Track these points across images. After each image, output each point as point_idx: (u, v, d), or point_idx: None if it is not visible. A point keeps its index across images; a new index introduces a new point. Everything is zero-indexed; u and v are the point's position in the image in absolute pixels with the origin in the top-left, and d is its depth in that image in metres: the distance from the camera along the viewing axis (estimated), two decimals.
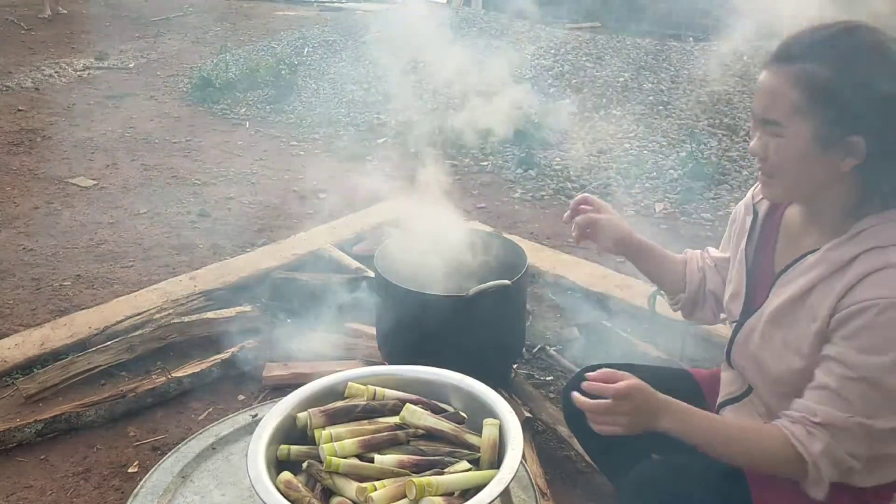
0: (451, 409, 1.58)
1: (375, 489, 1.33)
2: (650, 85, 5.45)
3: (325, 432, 1.47)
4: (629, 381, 1.23)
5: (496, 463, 1.40)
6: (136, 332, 2.53)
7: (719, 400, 1.49)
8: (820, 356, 1.20)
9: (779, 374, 1.27)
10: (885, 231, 1.17)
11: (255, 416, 1.85)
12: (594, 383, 1.25)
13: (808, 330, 1.21)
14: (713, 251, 1.63)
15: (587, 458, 1.91)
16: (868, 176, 1.18)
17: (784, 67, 1.19)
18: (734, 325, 1.42)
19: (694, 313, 1.63)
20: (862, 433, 1.16)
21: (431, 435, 1.50)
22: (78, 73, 6.83)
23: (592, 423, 1.25)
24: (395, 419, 1.55)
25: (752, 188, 1.47)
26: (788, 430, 1.21)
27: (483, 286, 1.99)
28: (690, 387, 1.63)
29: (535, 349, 2.58)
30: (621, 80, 5.48)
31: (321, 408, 1.54)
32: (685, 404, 1.27)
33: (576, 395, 1.27)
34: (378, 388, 1.62)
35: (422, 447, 1.46)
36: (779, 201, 1.36)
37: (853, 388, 1.14)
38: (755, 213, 1.44)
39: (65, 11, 8.79)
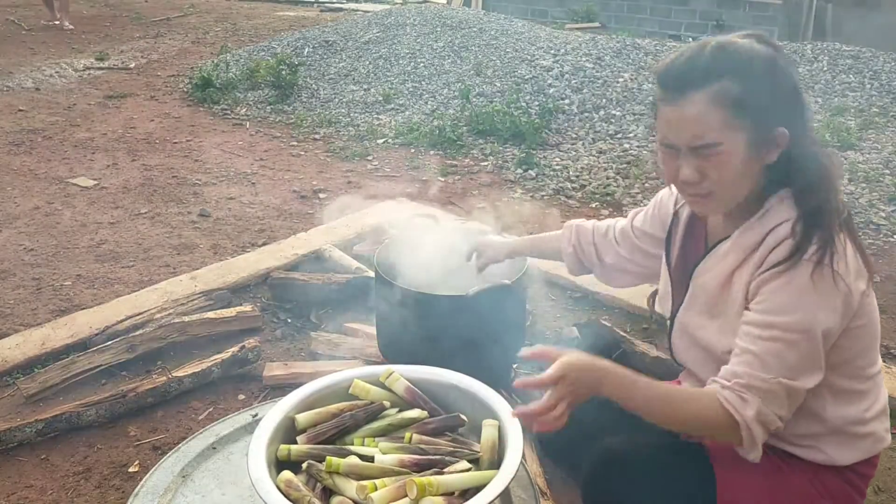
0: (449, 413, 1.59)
1: (376, 488, 1.34)
2: (650, 85, 5.45)
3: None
4: (559, 362, 1.28)
5: (496, 463, 1.40)
6: (137, 332, 2.53)
7: None
8: (741, 325, 1.27)
9: (724, 361, 1.31)
10: (784, 207, 1.27)
11: (256, 415, 1.85)
12: (525, 381, 1.31)
13: (736, 312, 1.29)
14: (620, 223, 1.75)
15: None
16: (780, 162, 1.28)
17: (695, 95, 1.23)
18: (669, 323, 1.49)
19: (583, 272, 1.85)
20: (784, 393, 1.22)
21: (433, 434, 1.50)
22: (78, 73, 6.83)
23: (537, 426, 1.29)
24: (408, 414, 1.55)
25: (673, 191, 1.54)
26: (721, 396, 1.24)
27: (483, 286, 1.99)
28: None
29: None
30: (621, 80, 5.48)
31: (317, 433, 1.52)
32: (623, 369, 1.31)
33: (516, 411, 1.33)
34: (382, 391, 1.62)
35: (422, 446, 1.46)
36: (716, 214, 1.41)
37: (770, 348, 1.21)
38: (676, 218, 1.52)
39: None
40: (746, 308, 1.27)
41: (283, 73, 5.93)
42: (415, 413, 1.56)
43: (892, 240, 3.63)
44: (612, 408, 1.32)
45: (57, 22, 8.59)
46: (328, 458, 1.40)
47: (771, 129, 1.25)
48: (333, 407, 1.57)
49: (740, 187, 1.30)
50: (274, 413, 1.53)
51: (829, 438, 1.33)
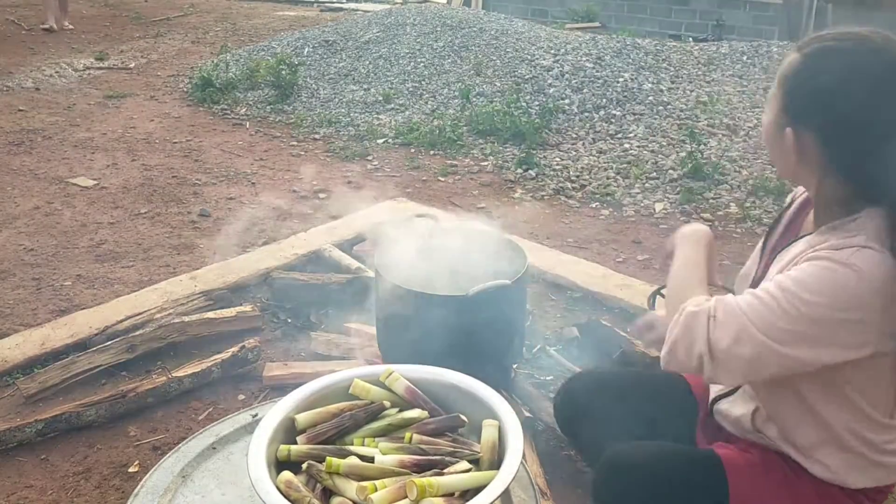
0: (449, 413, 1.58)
1: (376, 489, 1.33)
2: (650, 85, 5.45)
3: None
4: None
5: (496, 463, 1.40)
6: (137, 332, 2.53)
7: (712, 396, 1.50)
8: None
9: None
10: (871, 226, 1.20)
11: (256, 415, 1.85)
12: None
13: None
14: None
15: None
16: (843, 172, 1.23)
17: (789, 54, 1.28)
18: None
19: None
20: (735, 331, 1.17)
21: (433, 434, 1.50)
22: (78, 73, 6.83)
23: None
24: (408, 414, 1.55)
25: None
26: (700, 298, 1.25)
27: (483, 286, 1.99)
28: (681, 386, 1.64)
29: (535, 349, 2.58)
30: (621, 80, 5.48)
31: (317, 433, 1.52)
32: (700, 256, 1.40)
33: None
34: (382, 391, 1.62)
35: (422, 447, 1.46)
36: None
37: (768, 301, 1.18)
38: (790, 204, 1.49)
39: (71, 27, 8.68)
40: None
41: (283, 73, 5.93)
42: (415, 413, 1.56)
43: None
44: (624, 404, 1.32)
45: (55, 25, 8.53)
46: (328, 458, 1.40)
47: (785, 123, 1.24)
48: (333, 407, 1.57)
49: (774, 157, 1.32)
50: (274, 413, 1.52)
51: (841, 457, 1.30)
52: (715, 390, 1.50)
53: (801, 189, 1.48)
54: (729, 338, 1.17)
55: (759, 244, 1.50)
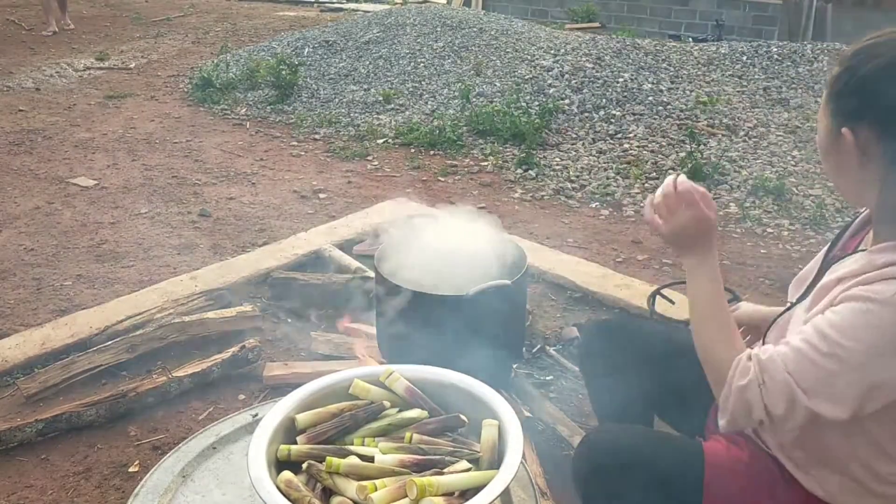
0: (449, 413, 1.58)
1: (376, 488, 1.34)
2: (650, 85, 5.45)
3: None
4: (711, 205, 1.30)
5: (496, 463, 1.40)
6: (137, 332, 2.53)
7: None
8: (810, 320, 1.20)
9: None
10: None
11: (256, 415, 1.85)
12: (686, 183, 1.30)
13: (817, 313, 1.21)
14: None
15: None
16: None
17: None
18: (787, 305, 1.41)
19: None
20: (787, 395, 1.15)
21: (433, 434, 1.50)
22: (79, 73, 6.83)
23: (652, 206, 1.33)
24: (408, 414, 1.55)
25: None
26: (741, 357, 1.21)
27: (483, 286, 1.99)
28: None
29: (535, 349, 2.58)
30: (621, 80, 5.48)
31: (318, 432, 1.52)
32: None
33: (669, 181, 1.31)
34: (382, 391, 1.62)
35: (422, 446, 1.46)
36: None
37: (808, 353, 1.14)
38: (858, 214, 1.43)
39: (72, 27, 8.69)
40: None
41: (283, 73, 5.93)
42: (415, 413, 1.56)
43: None
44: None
45: (56, 28, 8.52)
46: (328, 458, 1.40)
47: (840, 125, 1.19)
48: (333, 407, 1.57)
49: (831, 171, 1.26)
50: (274, 413, 1.53)
51: (839, 480, 1.27)
52: None
53: None
54: (782, 405, 1.16)
55: (823, 250, 1.43)
